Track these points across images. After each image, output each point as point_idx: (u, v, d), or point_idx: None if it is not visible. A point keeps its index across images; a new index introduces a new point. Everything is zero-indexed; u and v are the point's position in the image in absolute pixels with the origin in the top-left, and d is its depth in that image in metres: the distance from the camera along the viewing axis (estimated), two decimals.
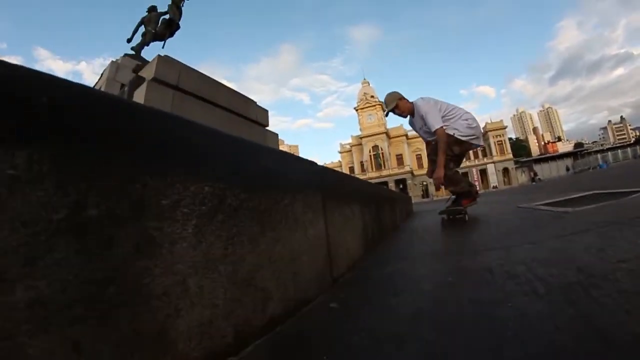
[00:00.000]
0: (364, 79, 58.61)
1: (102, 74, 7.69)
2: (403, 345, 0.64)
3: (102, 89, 7.30)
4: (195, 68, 3.87)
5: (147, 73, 3.43)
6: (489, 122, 51.19)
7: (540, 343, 0.56)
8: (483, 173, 47.78)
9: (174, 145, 0.55)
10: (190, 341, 0.53)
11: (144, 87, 3.09)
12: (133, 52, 7.74)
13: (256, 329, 0.66)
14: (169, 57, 3.55)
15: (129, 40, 8.69)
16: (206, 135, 0.61)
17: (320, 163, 1.31)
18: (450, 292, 0.95)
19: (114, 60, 7.44)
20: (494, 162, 47.07)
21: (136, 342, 0.48)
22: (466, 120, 2.78)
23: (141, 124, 0.53)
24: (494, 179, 46.30)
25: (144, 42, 8.17)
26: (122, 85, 6.83)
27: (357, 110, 54.90)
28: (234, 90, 4.39)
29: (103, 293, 0.45)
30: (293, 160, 1.00)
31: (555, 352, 0.53)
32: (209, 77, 4.06)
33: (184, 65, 3.64)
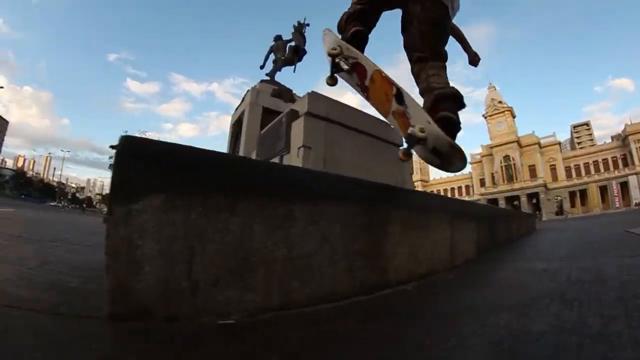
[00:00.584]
0: (490, 84, 55.81)
1: (243, 99, 9.41)
2: (487, 288, 1.48)
3: (247, 112, 8.96)
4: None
5: (301, 107, 4.44)
6: (629, 123, 42.14)
7: (538, 291, 1.32)
8: (624, 187, 39.50)
9: (397, 197, 1.54)
10: (392, 273, 1.48)
11: (301, 120, 4.27)
12: (268, 78, 9.22)
13: (415, 277, 1.57)
14: (316, 92, 4.56)
15: (261, 67, 10.24)
16: (394, 191, 1.60)
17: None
18: (516, 280, 1.70)
19: (254, 86, 9.19)
20: (636, 174, 38.81)
21: (379, 268, 1.44)
22: None
23: (394, 195, 1.53)
24: (636, 193, 37.92)
25: (276, 68, 9.58)
26: (265, 109, 8.41)
27: (485, 117, 52.63)
28: (373, 116, 5.27)
29: (372, 249, 1.42)
30: (434, 196, 1.95)
31: (546, 292, 1.28)
32: (350, 107, 4.97)
33: (329, 98, 4.59)
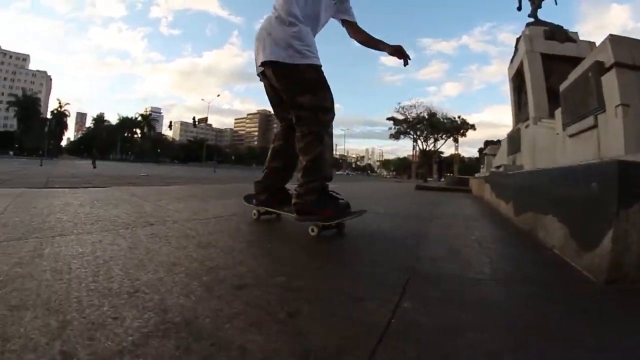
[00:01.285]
0: None
1: (516, 49, 9.01)
2: None
3: (526, 62, 8.69)
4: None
5: (604, 56, 3.81)
6: None
7: None
8: None
9: None
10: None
11: (612, 74, 3.55)
12: (533, 19, 8.53)
13: None
14: (615, 36, 3.68)
15: (519, 9, 9.41)
16: None
17: None
18: None
19: (523, 32, 8.49)
20: None
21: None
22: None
23: None
24: None
25: (536, 6, 8.70)
26: (542, 55, 8.01)
27: None
28: None
29: None
30: None
31: None
32: None
33: (632, 39, 3.73)
